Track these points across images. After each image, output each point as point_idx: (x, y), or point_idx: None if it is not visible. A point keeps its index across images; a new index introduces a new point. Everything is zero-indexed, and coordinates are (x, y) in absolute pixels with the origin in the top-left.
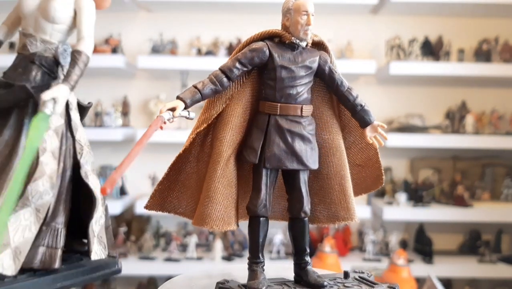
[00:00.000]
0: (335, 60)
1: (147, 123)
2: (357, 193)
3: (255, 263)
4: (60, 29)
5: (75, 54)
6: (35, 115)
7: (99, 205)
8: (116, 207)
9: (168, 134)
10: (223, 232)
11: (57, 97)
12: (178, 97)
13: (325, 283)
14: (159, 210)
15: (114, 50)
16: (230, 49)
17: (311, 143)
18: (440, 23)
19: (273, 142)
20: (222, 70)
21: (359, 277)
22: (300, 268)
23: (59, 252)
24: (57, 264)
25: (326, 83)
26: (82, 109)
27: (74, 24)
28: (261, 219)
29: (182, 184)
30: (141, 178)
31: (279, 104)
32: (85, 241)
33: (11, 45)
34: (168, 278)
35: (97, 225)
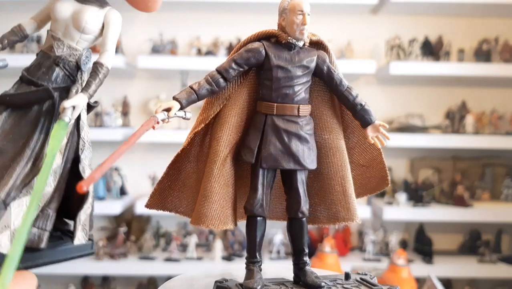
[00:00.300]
0: (335, 60)
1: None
2: (362, 193)
3: (252, 262)
4: (87, 39)
5: (98, 66)
6: (51, 115)
7: (89, 198)
8: (116, 207)
9: (168, 134)
10: (223, 232)
11: (77, 105)
12: (174, 98)
13: (323, 284)
14: (160, 209)
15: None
16: (230, 49)
17: (309, 143)
18: (440, 23)
19: (269, 142)
20: (218, 70)
21: (361, 279)
22: (299, 268)
23: (47, 234)
24: (43, 244)
25: (325, 83)
26: (89, 107)
27: (100, 35)
28: (258, 218)
29: (182, 184)
30: (141, 178)
31: (275, 104)
32: (67, 221)
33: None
34: (168, 278)
35: (84, 215)
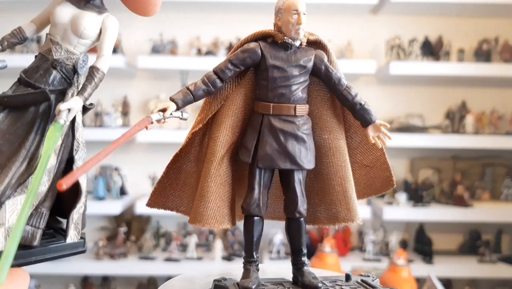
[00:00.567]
0: (335, 59)
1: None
2: (367, 194)
3: (248, 262)
4: (84, 43)
5: (94, 70)
6: (47, 117)
7: (82, 196)
8: (116, 207)
9: (168, 134)
10: (223, 232)
11: (72, 108)
12: (170, 99)
13: (320, 285)
14: (161, 207)
15: (114, 50)
16: (230, 49)
17: (306, 143)
18: (440, 23)
19: (265, 142)
20: (214, 71)
21: (362, 280)
22: (297, 268)
23: (40, 232)
24: (37, 242)
25: (324, 82)
26: (84, 109)
27: (97, 39)
28: (255, 218)
29: (183, 183)
30: (141, 178)
31: (271, 104)
32: (60, 219)
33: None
34: (168, 278)
35: (76, 214)
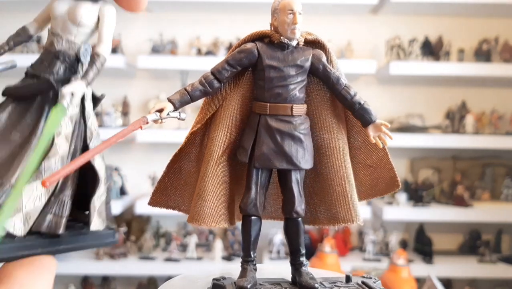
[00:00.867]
0: (335, 59)
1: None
2: (372, 195)
3: (246, 261)
4: (84, 32)
5: (95, 56)
6: (54, 104)
7: (101, 184)
8: (116, 207)
9: (168, 134)
10: (223, 232)
11: (75, 91)
12: (168, 99)
13: (316, 285)
14: (163, 206)
15: (114, 50)
16: (230, 49)
17: (303, 143)
18: (440, 23)
19: (262, 142)
20: (212, 72)
21: (362, 282)
22: (295, 268)
23: (64, 220)
24: (61, 230)
25: (323, 82)
26: (96, 99)
27: (96, 28)
28: (252, 218)
29: (184, 182)
30: (141, 178)
31: (268, 104)
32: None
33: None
34: (168, 278)
35: (98, 201)
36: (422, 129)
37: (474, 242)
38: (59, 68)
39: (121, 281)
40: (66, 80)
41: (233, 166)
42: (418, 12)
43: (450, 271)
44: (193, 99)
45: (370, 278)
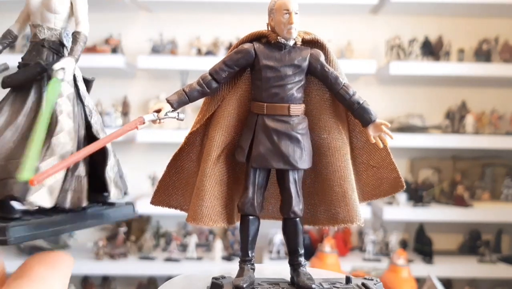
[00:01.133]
0: (335, 58)
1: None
2: (376, 196)
3: (243, 261)
4: (61, 18)
5: (76, 35)
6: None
7: (111, 156)
8: None
9: (168, 134)
10: (223, 232)
11: (65, 66)
12: (166, 100)
13: (314, 286)
14: (165, 205)
15: (114, 50)
16: (230, 49)
17: (300, 142)
18: (440, 23)
19: (259, 142)
20: (209, 72)
21: (362, 284)
22: (293, 269)
23: (84, 194)
24: (84, 203)
25: (321, 81)
26: (87, 83)
27: (71, 13)
28: (249, 217)
29: (186, 182)
30: (141, 178)
31: (265, 104)
32: (105, 194)
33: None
34: (168, 278)
35: (112, 172)
36: (422, 129)
37: (474, 242)
38: (47, 55)
39: (121, 281)
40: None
41: (233, 166)
42: (418, 12)
43: (450, 271)
44: (191, 100)
45: (372, 279)
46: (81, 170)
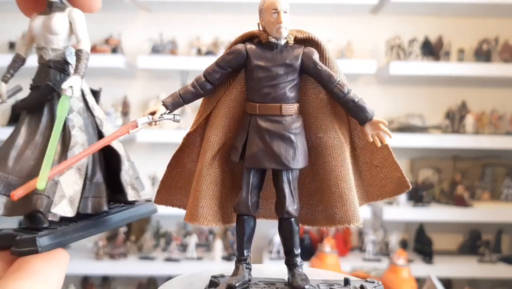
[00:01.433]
0: (331, 56)
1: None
2: (381, 196)
3: (239, 260)
4: (62, 38)
5: (78, 53)
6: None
7: (124, 160)
8: None
9: (168, 134)
10: (223, 232)
11: (72, 84)
12: (162, 102)
13: (307, 287)
14: (168, 204)
15: (114, 50)
16: None
17: (293, 142)
18: (440, 23)
19: (252, 142)
20: (203, 74)
21: (361, 286)
22: (289, 269)
23: (104, 198)
24: (105, 207)
25: (315, 80)
26: (95, 93)
27: (71, 32)
28: (244, 217)
29: (187, 182)
30: (141, 178)
31: (257, 104)
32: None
33: (11, 45)
34: (168, 278)
35: (126, 175)
36: (422, 129)
37: (474, 242)
38: (54, 74)
39: (121, 281)
40: (63, 83)
41: (230, 166)
42: (418, 12)
43: (450, 271)
44: (185, 102)
45: (373, 282)
46: (99, 177)
